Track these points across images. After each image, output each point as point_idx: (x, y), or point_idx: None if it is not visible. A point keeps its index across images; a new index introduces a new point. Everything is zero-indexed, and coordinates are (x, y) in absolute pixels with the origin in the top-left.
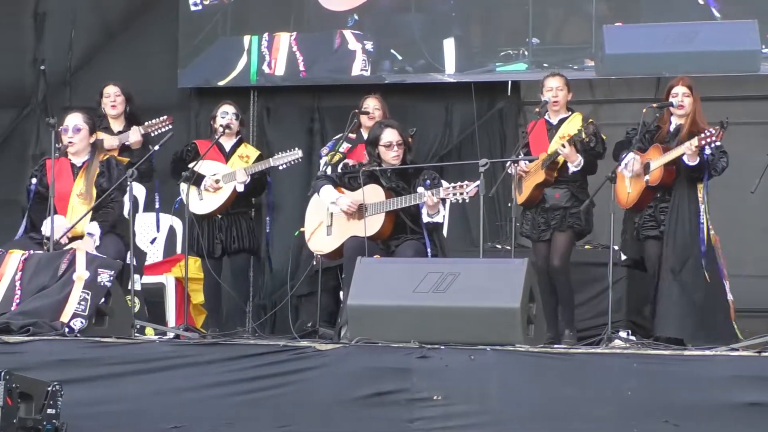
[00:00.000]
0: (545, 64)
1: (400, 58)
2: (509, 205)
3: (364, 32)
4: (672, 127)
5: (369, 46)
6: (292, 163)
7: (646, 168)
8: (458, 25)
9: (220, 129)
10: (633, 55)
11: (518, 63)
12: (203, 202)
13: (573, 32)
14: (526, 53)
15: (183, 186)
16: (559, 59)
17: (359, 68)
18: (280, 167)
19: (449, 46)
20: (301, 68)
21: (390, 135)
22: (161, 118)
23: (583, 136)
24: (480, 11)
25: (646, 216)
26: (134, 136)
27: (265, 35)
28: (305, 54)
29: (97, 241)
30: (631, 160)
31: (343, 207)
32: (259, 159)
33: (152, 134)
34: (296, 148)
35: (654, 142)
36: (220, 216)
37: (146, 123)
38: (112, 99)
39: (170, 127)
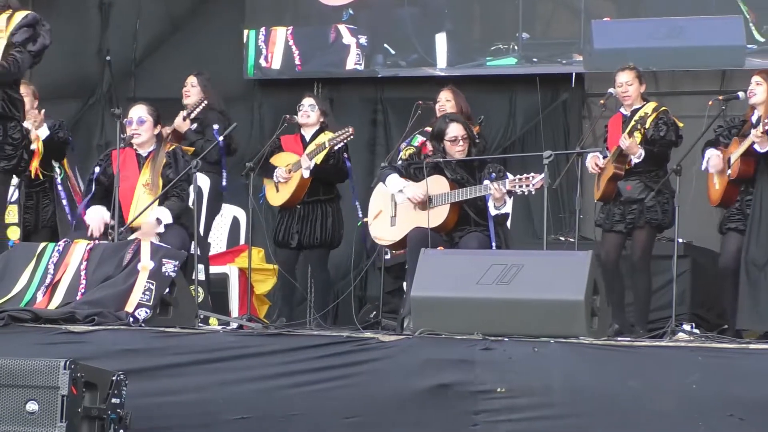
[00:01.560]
0: (534, 59)
1: (393, 52)
2: (574, 195)
3: (358, 27)
4: (754, 119)
5: (363, 40)
6: (347, 140)
7: (727, 162)
8: (450, 20)
9: (288, 120)
10: (621, 50)
11: (508, 57)
12: (279, 193)
13: (562, 27)
14: (516, 48)
15: (266, 180)
16: (548, 54)
17: (353, 62)
18: (336, 147)
19: (441, 40)
20: (297, 62)
21: (455, 129)
22: (198, 100)
23: (639, 126)
24: (471, 6)
25: (733, 209)
26: (178, 119)
27: (262, 29)
28: (301, 48)
29: (167, 220)
30: (712, 157)
31: (409, 195)
32: None
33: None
34: (348, 127)
35: (739, 136)
36: (299, 207)
37: (189, 107)
38: (187, 89)
39: (205, 103)
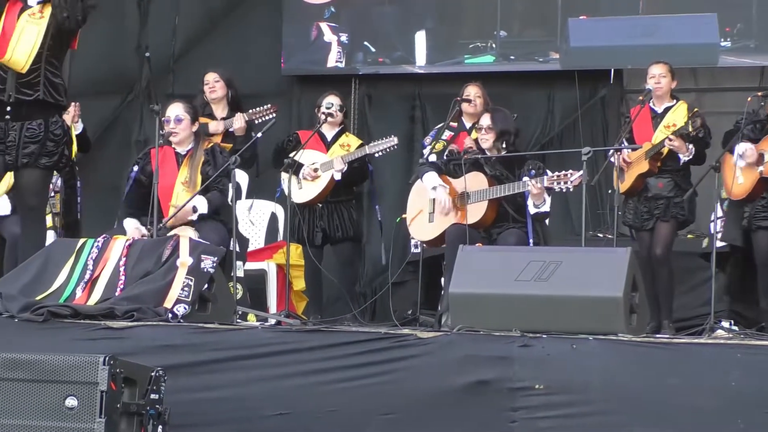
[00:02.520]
0: (512, 57)
1: (373, 50)
2: (609, 192)
3: (339, 24)
4: None
5: (344, 38)
6: (388, 150)
7: (760, 158)
8: (430, 19)
9: (322, 118)
10: (597, 48)
11: (486, 55)
12: (302, 190)
13: (539, 26)
14: (493, 46)
15: (284, 175)
16: (525, 52)
17: (334, 60)
18: (377, 155)
19: (420, 38)
20: (281, 60)
21: (483, 120)
22: (266, 107)
23: (690, 129)
24: (450, 5)
25: (759, 206)
26: (238, 122)
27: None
28: (284, 45)
29: (202, 209)
30: (747, 150)
31: (439, 200)
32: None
33: (256, 122)
34: (392, 136)
35: (765, 132)
36: (320, 205)
37: (250, 111)
38: (211, 85)
39: (274, 115)
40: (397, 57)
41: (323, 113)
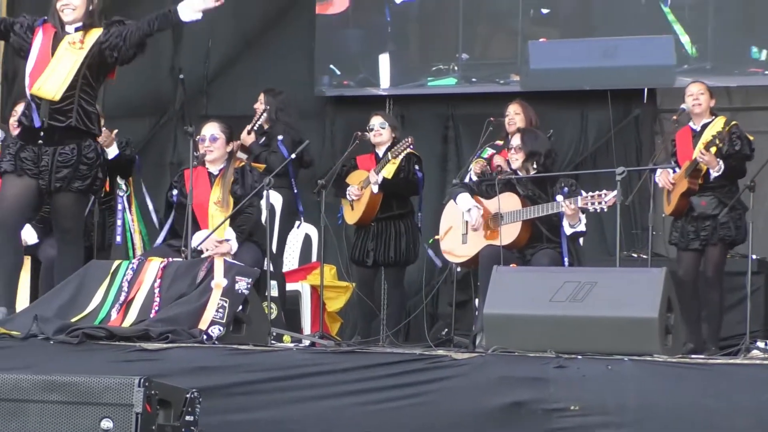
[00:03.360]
0: (474, 79)
1: (338, 72)
2: (652, 213)
3: None
4: None
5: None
6: (407, 150)
7: None
8: (393, 41)
9: (367, 138)
10: (556, 70)
11: (449, 78)
12: (354, 211)
13: (500, 48)
14: (456, 68)
15: (343, 200)
16: (486, 74)
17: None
18: (399, 157)
19: (384, 61)
20: (314, 80)
21: (514, 140)
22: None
23: (717, 141)
24: (414, 27)
25: None
26: (243, 134)
27: None
28: (316, 66)
29: (234, 246)
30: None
31: (470, 220)
32: None
33: (255, 128)
34: (408, 137)
35: None
36: (373, 223)
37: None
38: (258, 105)
39: (264, 115)
40: (361, 79)
41: (362, 134)
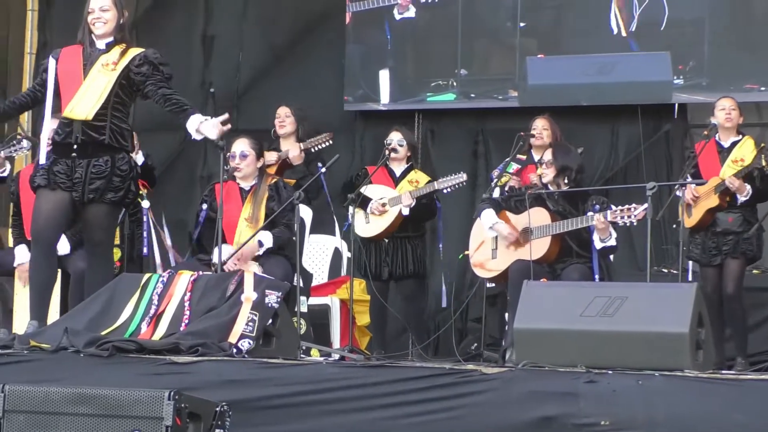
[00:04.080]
0: (472, 95)
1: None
2: (674, 226)
3: None
4: None
5: None
6: (458, 186)
7: None
8: (392, 58)
9: (386, 153)
10: (554, 86)
11: (447, 93)
12: (370, 225)
13: (498, 64)
14: (454, 84)
15: (352, 209)
16: (485, 89)
17: None
18: (445, 191)
19: (384, 77)
20: (344, 95)
21: (545, 155)
22: (323, 135)
23: (764, 162)
24: (413, 44)
25: None
26: (294, 151)
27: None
28: (346, 81)
29: (267, 243)
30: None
31: (503, 233)
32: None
33: (312, 150)
34: (461, 172)
35: None
36: (386, 240)
37: (307, 140)
38: (281, 119)
39: (330, 142)
40: (361, 95)
41: (386, 149)
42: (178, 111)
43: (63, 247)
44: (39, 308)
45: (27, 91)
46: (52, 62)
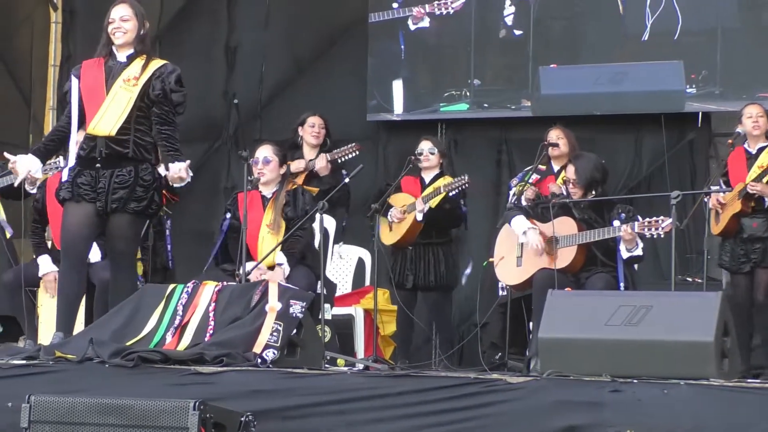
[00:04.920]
0: (485, 104)
1: None
2: (706, 237)
3: None
4: None
5: None
6: (462, 188)
7: None
8: (406, 68)
9: (411, 162)
10: (567, 95)
11: (461, 103)
12: (392, 233)
13: (511, 74)
14: (468, 94)
15: (381, 217)
16: (498, 99)
17: None
18: (451, 194)
19: (398, 87)
20: (367, 105)
21: (568, 171)
22: (349, 146)
23: None
24: (426, 54)
25: None
26: (321, 162)
27: None
28: (368, 91)
29: (286, 270)
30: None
31: (532, 242)
32: None
33: (339, 161)
34: (464, 175)
35: None
36: (411, 248)
37: (334, 150)
38: (317, 130)
39: (357, 153)
40: (375, 105)
41: (415, 158)
42: (166, 154)
43: (95, 254)
44: (66, 320)
45: (60, 125)
46: (74, 82)
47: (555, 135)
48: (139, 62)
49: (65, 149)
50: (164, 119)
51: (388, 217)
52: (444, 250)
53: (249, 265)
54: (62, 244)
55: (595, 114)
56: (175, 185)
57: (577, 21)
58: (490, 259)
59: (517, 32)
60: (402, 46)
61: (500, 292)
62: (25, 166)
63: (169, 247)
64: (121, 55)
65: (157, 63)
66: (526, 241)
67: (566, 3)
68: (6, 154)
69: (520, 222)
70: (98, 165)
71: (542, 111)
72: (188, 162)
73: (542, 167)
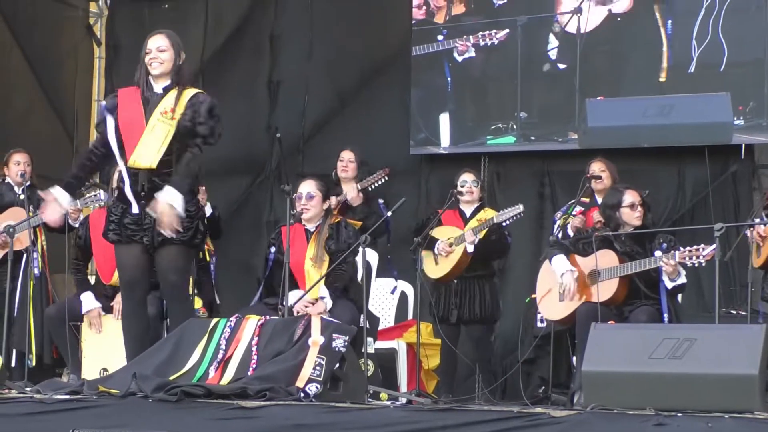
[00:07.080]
0: (532, 137)
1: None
2: (750, 268)
3: None
4: None
5: None
6: (516, 218)
7: None
8: (452, 101)
9: (453, 195)
10: (614, 128)
11: (507, 136)
12: (438, 266)
13: (558, 106)
14: (514, 127)
15: (425, 251)
16: (545, 132)
17: None
18: (504, 223)
19: (444, 120)
20: (409, 138)
21: (631, 196)
22: (378, 172)
23: None
24: (473, 87)
25: None
26: (351, 192)
27: None
28: (412, 124)
29: (328, 303)
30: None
31: (566, 286)
32: None
33: (369, 188)
34: (519, 204)
35: None
36: (456, 281)
37: (364, 179)
38: (345, 163)
39: (386, 178)
40: (422, 139)
41: (457, 191)
42: (184, 177)
43: (88, 302)
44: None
45: (92, 154)
46: (110, 120)
47: (597, 168)
48: (173, 93)
49: (103, 182)
50: (188, 147)
51: (435, 250)
52: (488, 283)
53: (292, 296)
54: (121, 289)
55: (642, 146)
56: (162, 231)
57: (622, 53)
58: (533, 296)
59: (561, 66)
60: (448, 78)
61: (538, 324)
62: (57, 211)
63: (213, 282)
64: (158, 87)
65: (190, 92)
66: (561, 282)
67: (611, 36)
68: (40, 192)
69: (560, 263)
70: (143, 202)
71: (589, 143)
72: (182, 204)
73: (585, 199)
